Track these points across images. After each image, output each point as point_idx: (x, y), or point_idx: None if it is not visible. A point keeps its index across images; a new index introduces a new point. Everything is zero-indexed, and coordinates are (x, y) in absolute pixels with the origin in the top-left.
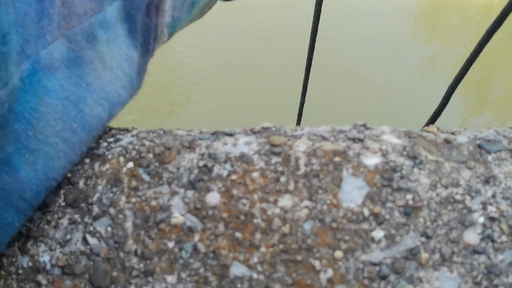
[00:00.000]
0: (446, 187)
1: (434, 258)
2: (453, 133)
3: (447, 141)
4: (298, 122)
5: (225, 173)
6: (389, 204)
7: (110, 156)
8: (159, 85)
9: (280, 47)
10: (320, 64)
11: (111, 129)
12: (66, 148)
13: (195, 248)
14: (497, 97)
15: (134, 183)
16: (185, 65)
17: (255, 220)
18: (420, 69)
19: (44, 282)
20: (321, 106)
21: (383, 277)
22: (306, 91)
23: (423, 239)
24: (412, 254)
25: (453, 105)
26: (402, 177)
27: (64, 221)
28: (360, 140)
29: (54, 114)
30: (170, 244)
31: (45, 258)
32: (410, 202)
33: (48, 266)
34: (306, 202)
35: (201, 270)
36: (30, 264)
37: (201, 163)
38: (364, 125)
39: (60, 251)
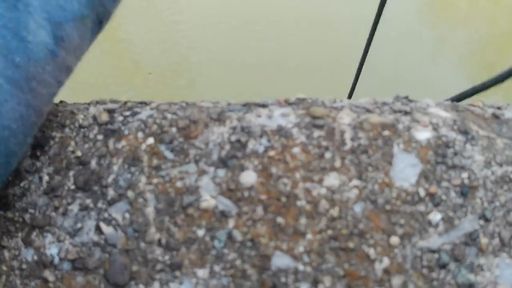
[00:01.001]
0: (500, 165)
1: (493, 243)
2: (499, 108)
3: (495, 116)
4: (350, 95)
5: (261, 149)
6: (444, 184)
7: (126, 132)
8: (162, 77)
9: (284, 38)
10: (330, 51)
11: (126, 102)
12: (10, 88)
13: (229, 236)
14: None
15: (155, 161)
16: (189, 56)
17: (298, 203)
18: (429, 52)
19: (51, 278)
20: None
21: (443, 266)
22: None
23: (481, 222)
24: (471, 239)
25: (461, 87)
26: (455, 154)
27: (74, 207)
28: (408, 113)
29: None
30: (200, 232)
31: (52, 250)
32: (466, 181)
33: (56, 260)
34: (355, 181)
35: (238, 262)
36: (36, 257)
37: (233, 138)
38: (407, 98)
39: (70, 243)
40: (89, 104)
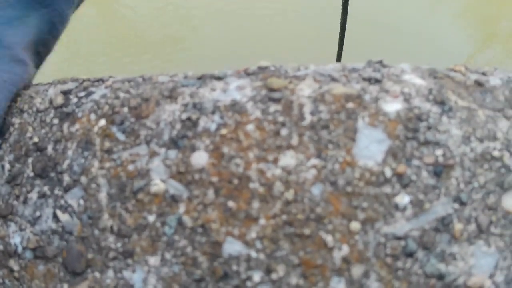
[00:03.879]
0: (481, 140)
1: (469, 229)
2: (484, 74)
3: (479, 84)
4: (339, 58)
5: (213, 127)
6: (415, 162)
7: (80, 114)
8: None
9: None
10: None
11: (84, 80)
12: None
13: (180, 222)
14: (504, 34)
15: (107, 144)
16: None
17: (251, 185)
18: (426, 5)
19: (16, 267)
20: (326, 44)
21: (410, 254)
22: (344, 29)
23: (456, 205)
24: (443, 224)
25: (459, 40)
26: (429, 128)
27: (33, 195)
28: (377, 81)
29: None
30: (151, 218)
31: (16, 239)
32: (440, 159)
33: (20, 249)
34: (314, 161)
35: (189, 249)
36: (1, 247)
37: (184, 116)
38: (381, 62)
39: (31, 231)
40: (50, 84)
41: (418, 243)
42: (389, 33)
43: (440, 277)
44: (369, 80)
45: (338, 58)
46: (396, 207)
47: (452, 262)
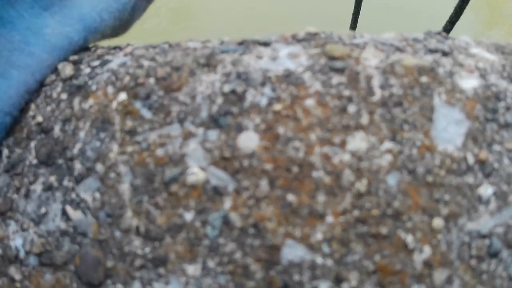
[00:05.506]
0: None
1: None
2: None
3: None
4: (354, 26)
5: (264, 102)
6: (496, 147)
7: (94, 87)
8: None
9: None
10: None
11: (96, 48)
12: (22, 75)
13: (226, 221)
14: (509, 16)
15: (129, 123)
16: None
17: (315, 174)
18: None
19: (18, 276)
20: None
21: (494, 254)
22: None
23: None
24: None
25: (464, 22)
26: (508, 108)
27: (37, 187)
28: (446, 53)
29: (8, 45)
30: (188, 216)
31: (17, 242)
32: None
33: (22, 254)
34: (388, 144)
35: (238, 255)
36: (0, 251)
37: (226, 88)
38: (440, 34)
39: (35, 232)
40: None
41: (503, 241)
42: (390, 15)
43: None
44: (437, 51)
45: (353, 25)
46: (480, 199)
47: None
